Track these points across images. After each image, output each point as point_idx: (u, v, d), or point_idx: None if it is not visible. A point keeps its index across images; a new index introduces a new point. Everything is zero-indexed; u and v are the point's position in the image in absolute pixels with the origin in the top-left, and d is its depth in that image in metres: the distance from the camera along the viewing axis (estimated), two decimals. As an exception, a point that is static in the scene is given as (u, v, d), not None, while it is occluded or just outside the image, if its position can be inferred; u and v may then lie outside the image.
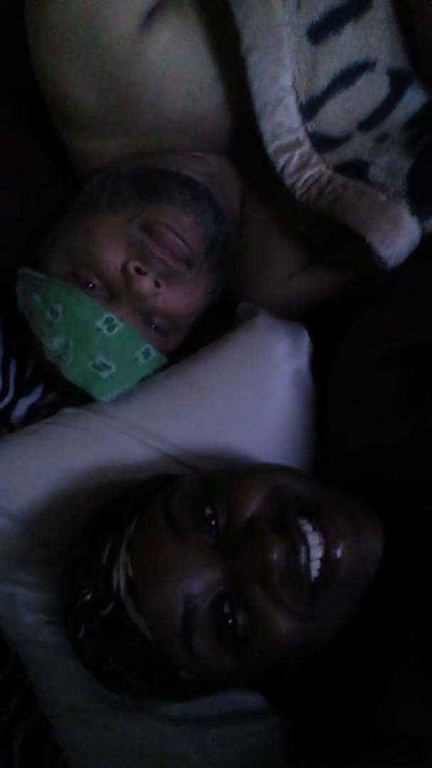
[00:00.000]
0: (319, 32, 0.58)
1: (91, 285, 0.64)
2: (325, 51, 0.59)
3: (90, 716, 0.59)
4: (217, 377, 0.69)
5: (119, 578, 0.49)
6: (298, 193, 0.65)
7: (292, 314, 0.75)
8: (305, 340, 0.73)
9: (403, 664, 0.49)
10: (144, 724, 0.58)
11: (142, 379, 0.70)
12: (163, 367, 0.71)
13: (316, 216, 0.66)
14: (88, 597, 0.51)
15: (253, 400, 0.68)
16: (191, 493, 0.52)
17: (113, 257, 0.63)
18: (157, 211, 0.64)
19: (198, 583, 0.47)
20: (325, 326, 0.74)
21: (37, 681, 0.63)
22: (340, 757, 0.52)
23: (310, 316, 0.75)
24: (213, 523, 0.49)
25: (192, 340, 0.73)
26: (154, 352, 0.68)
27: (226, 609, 0.47)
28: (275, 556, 0.46)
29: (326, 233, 0.70)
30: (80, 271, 0.64)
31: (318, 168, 0.65)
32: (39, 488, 0.64)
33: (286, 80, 0.60)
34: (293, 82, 0.60)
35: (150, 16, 0.59)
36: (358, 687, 0.53)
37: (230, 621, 0.47)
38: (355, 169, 0.64)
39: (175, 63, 0.61)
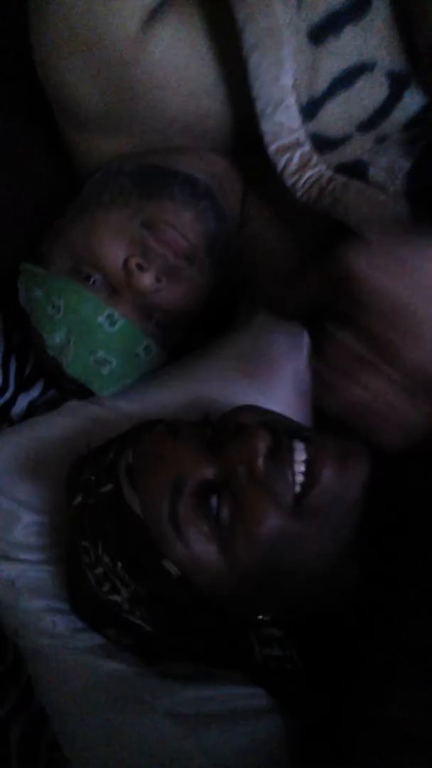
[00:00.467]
0: (320, 34, 0.59)
1: (92, 280, 0.65)
2: (325, 52, 0.60)
3: (89, 710, 0.59)
4: (217, 374, 0.69)
5: (120, 466, 0.53)
6: (298, 193, 0.66)
7: (292, 315, 0.75)
8: (305, 340, 0.73)
9: (407, 662, 0.50)
10: (145, 719, 0.57)
11: (143, 375, 0.70)
12: (164, 364, 0.72)
13: (317, 216, 0.66)
14: (92, 477, 0.54)
15: (253, 398, 0.68)
16: (192, 421, 0.56)
17: (115, 253, 0.64)
18: (158, 208, 0.65)
19: (189, 469, 0.50)
20: (325, 327, 0.74)
21: (35, 673, 0.63)
22: (341, 754, 0.52)
23: (310, 316, 0.75)
24: (209, 430, 0.54)
25: (193, 337, 0.73)
26: (154, 348, 0.68)
27: (213, 497, 0.49)
28: (260, 443, 0.49)
29: (328, 233, 0.70)
30: (81, 267, 0.65)
31: (318, 168, 0.65)
32: (44, 474, 0.65)
33: (287, 81, 0.61)
34: (294, 83, 0.61)
35: (152, 16, 0.60)
36: (360, 684, 0.53)
37: (215, 505, 0.49)
38: (355, 170, 0.65)
39: (177, 63, 0.61)
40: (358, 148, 0.65)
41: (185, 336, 0.73)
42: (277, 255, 0.74)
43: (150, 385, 0.70)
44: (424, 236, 0.55)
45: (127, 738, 0.57)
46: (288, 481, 0.49)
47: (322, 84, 0.61)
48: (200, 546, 0.49)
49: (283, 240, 0.74)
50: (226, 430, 0.53)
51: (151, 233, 0.64)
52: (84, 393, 0.70)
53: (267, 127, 0.63)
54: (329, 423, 0.68)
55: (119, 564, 0.52)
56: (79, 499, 0.55)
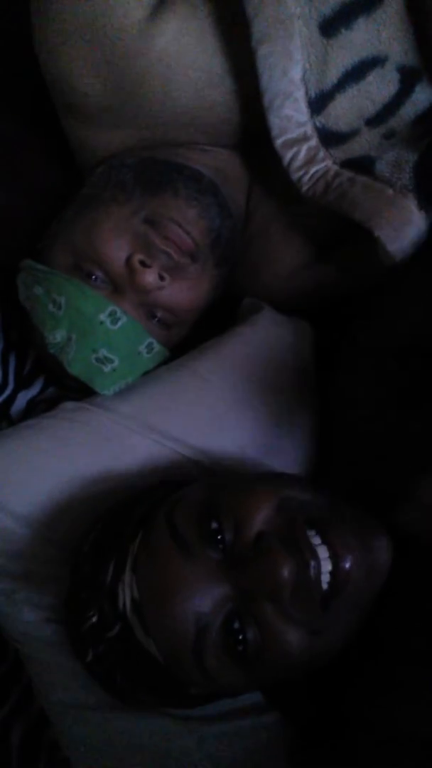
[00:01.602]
0: (331, 26, 0.58)
1: (94, 277, 0.64)
2: (336, 45, 0.58)
3: (89, 713, 0.59)
4: (221, 371, 0.68)
5: (125, 599, 0.48)
6: (304, 188, 0.65)
7: (296, 310, 0.74)
8: (309, 337, 0.72)
9: (406, 663, 0.50)
10: (144, 720, 0.58)
11: (145, 373, 0.69)
12: (166, 362, 0.71)
13: (323, 210, 0.65)
14: (94, 620, 0.50)
15: (257, 395, 0.67)
16: (195, 504, 0.50)
17: (117, 250, 0.63)
18: (162, 204, 0.63)
19: (207, 600, 0.46)
20: (330, 322, 0.73)
21: (36, 677, 0.63)
22: (341, 755, 0.52)
23: (315, 312, 0.75)
24: (219, 537, 0.48)
25: (196, 334, 0.72)
26: (157, 346, 0.67)
27: (237, 626, 0.46)
28: (286, 574, 0.45)
29: (332, 228, 0.70)
30: (83, 264, 0.64)
31: (325, 163, 0.64)
32: (39, 484, 0.63)
33: (296, 74, 0.59)
34: (303, 76, 0.60)
35: (158, 5, 0.58)
36: (360, 685, 0.53)
37: (241, 637, 0.46)
38: (362, 165, 0.64)
39: (183, 54, 0.60)
40: (365, 143, 0.64)
41: (189, 333, 0.72)
42: (282, 250, 0.73)
43: (150, 384, 0.69)
44: None
45: (126, 738, 0.58)
46: (315, 601, 0.46)
47: (332, 77, 0.60)
48: (226, 672, 0.47)
49: (288, 235, 0.72)
50: (242, 541, 0.47)
51: (154, 230, 0.63)
52: (85, 390, 0.69)
53: (274, 120, 0.62)
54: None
55: (142, 689, 0.50)
56: (90, 654, 0.51)
